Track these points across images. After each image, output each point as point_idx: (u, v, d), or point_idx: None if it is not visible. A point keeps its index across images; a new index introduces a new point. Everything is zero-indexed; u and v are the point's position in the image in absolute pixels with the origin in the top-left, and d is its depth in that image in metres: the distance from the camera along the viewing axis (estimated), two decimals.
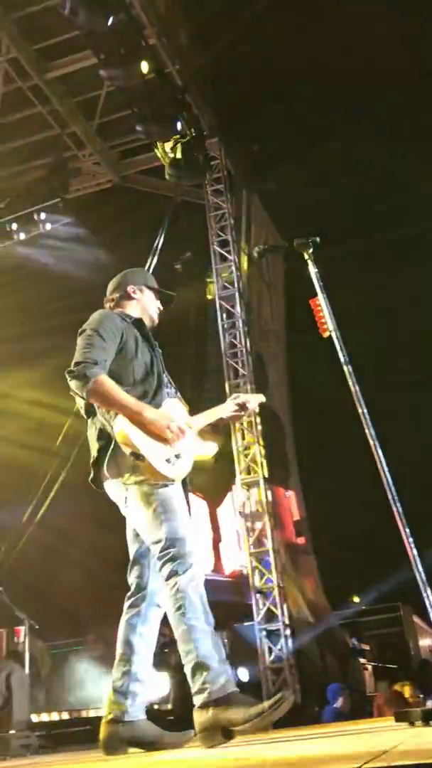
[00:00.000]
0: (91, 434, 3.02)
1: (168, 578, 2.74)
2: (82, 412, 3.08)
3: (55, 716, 7.22)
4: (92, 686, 7.98)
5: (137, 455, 2.73)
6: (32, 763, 4.34)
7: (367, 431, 2.75)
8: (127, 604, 3.04)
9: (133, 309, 3.30)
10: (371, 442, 2.74)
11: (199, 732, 2.57)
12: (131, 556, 3.06)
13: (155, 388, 3.02)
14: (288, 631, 8.30)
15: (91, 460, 2.99)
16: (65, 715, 7.26)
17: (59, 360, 3.27)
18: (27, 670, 6.63)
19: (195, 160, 9.53)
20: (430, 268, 11.56)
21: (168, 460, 2.80)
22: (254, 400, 3.37)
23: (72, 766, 3.20)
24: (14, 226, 10.84)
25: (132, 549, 3.06)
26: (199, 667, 2.61)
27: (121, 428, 2.76)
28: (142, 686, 2.91)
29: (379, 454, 2.70)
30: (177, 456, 2.85)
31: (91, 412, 3.02)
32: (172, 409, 3.02)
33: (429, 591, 2.47)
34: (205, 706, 2.56)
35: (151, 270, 9.99)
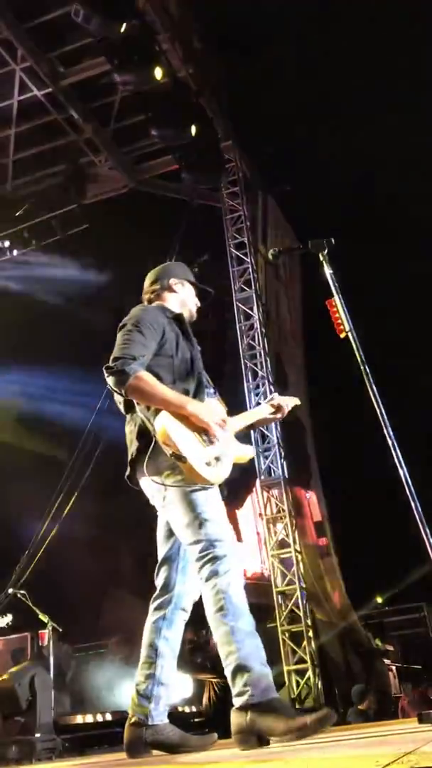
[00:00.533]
0: (130, 431, 2.96)
1: (208, 579, 2.68)
2: (121, 408, 3.02)
3: (79, 719, 7.25)
4: (117, 689, 8.01)
5: (179, 456, 2.65)
6: (57, 767, 4.36)
7: (385, 430, 2.74)
8: (152, 606, 2.98)
9: (173, 303, 3.23)
10: (389, 441, 2.73)
11: (235, 733, 2.51)
12: (160, 557, 3.02)
13: (195, 387, 2.94)
14: (311, 633, 8.29)
15: (129, 458, 2.92)
16: (89, 718, 7.29)
17: None
18: (52, 674, 6.67)
19: (209, 163, 9.56)
20: None
21: (208, 463, 2.73)
22: (290, 403, 3.32)
23: None
24: (26, 234, 10.94)
25: (161, 550, 3.01)
26: (240, 669, 2.54)
27: (163, 426, 2.67)
28: (166, 690, 2.87)
29: (397, 453, 2.69)
30: (217, 459, 2.79)
31: (129, 408, 2.96)
32: (213, 407, 2.94)
33: None
34: (243, 708, 2.50)
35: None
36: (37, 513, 10.56)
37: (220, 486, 2.92)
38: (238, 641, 2.57)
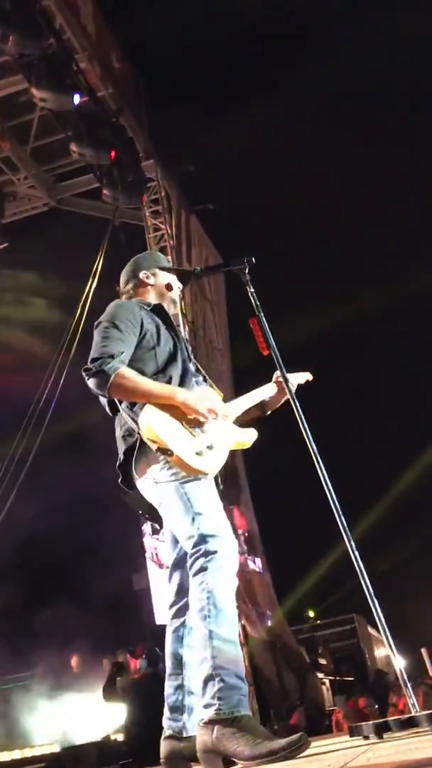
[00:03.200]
0: (117, 434, 2.84)
1: (195, 575, 2.54)
2: (107, 410, 2.89)
3: (6, 756, 6.98)
4: (45, 721, 7.77)
5: (165, 450, 2.55)
6: None
7: (308, 445, 2.75)
8: (170, 613, 2.82)
9: (150, 295, 3.12)
10: (313, 455, 2.74)
11: (200, 752, 2.36)
12: (170, 562, 2.86)
13: (181, 375, 2.84)
14: (244, 650, 8.26)
15: (118, 463, 2.80)
16: (17, 754, 7.03)
17: None
18: None
19: (130, 182, 9.54)
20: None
21: (199, 453, 2.61)
22: (298, 379, 3.20)
23: None
24: None
25: (171, 555, 2.86)
26: (212, 677, 2.37)
27: (146, 423, 2.58)
28: (197, 699, 2.59)
29: (322, 469, 2.70)
30: (209, 447, 2.67)
31: (115, 409, 2.84)
32: (205, 394, 2.86)
33: (377, 602, 2.48)
34: (210, 723, 2.32)
35: (90, 293, 9.94)
36: None
37: (217, 479, 2.81)
38: (215, 647, 2.40)
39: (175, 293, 3.18)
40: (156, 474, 2.68)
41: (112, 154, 9.08)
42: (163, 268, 3.21)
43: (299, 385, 3.24)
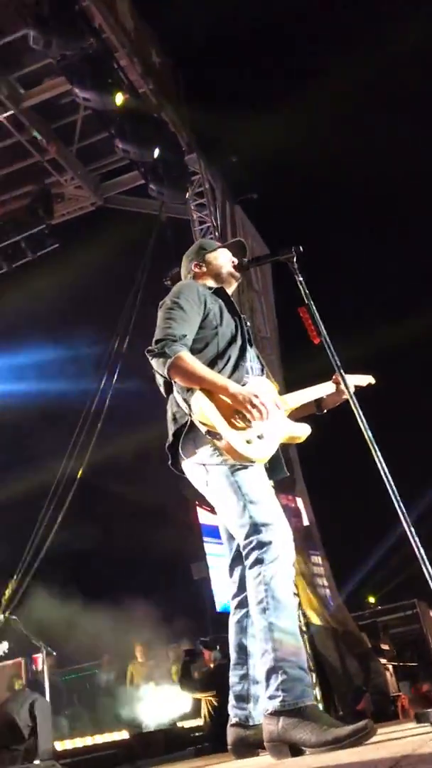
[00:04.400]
0: (169, 415, 2.89)
1: (251, 566, 2.53)
2: (162, 390, 2.94)
3: (78, 743, 7.17)
4: (112, 709, 7.94)
5: (213, 434, 2.57)
6: None
7: (365, 434, 2.75)
8: (233, 604, 2.85)
9: (208, 281, 3.18)
10: (370, 443, 2.73)
11: (266, 741, 2.38)
12: (230, 553, 2.87)
13: (237, 358, 2.87)
14: (306, 638, 8.27)
15: (168, 443, 2.84)
16: (88, 741, 7.21)
17: None
18: (48, 698, 6.60)
19: (175, 176, 9.60)
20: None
21: (248, 441, 2.60)
22: (358, 381, 3.20)
23: None
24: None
25: (230, 546, 2.88)
26: (275, 670, 2.38)
27: (198, 406, 2.62)
28: (262, 688, 2.58)
29: (378, 454, 2.70)
30: (259, 437, 2.65)
31: (169, 389, 2.87)
32: (261, 386, 2.87)
33: None
34: (275, 714, 2.35)
35: (140, 288, 10.04)
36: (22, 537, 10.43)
37: (275, 465, 2.84)
38: (275, 640, 2.42)
39: (229, 267, 3.19)
40: (204, 457, 2.70)
41: (156, 150, 9.14)
42: (211, 251, 3.25)
43: (359, 387, 3.21)
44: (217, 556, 11.94)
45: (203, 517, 12.45)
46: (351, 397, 2.78)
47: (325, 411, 3.23)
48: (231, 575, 2.89)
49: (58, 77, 9.05)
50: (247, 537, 2.58)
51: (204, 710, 7.30)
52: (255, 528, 2.56)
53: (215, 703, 6.95)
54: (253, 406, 2.62)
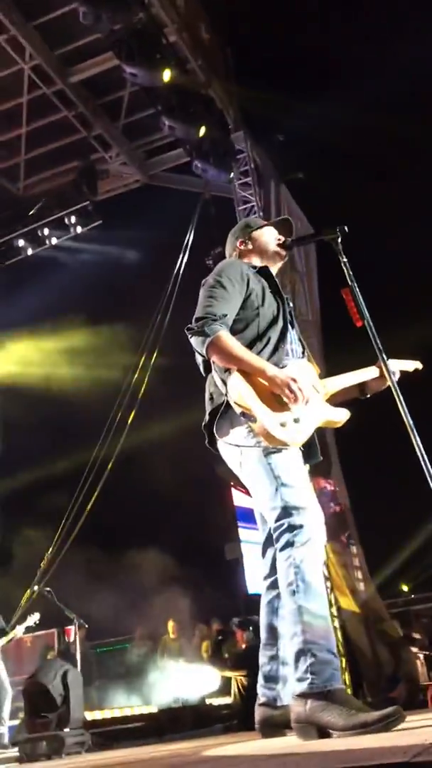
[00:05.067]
0: (207, 395, 2.88)
1: (282, 549, 2.52)
2: (201, 369, 2.93)
3: (107, 714, 7.30)
4: (141, 683, 8.05)
5: (248, 416, 2.56)
6: (90, 760, 4.39)
7: (405, 419, 2.69)
8: (265, 585, 2.85)
9: (253, 260, 3.13)
10: (410, 430, 2.68)
11: (294, 722, 2.39)
12: (263, 537, 2.88)
13: (277, 340, 2.82)
14: (336, 623, 8.26)
15: (204, 422, 2.84)
16: (117, 713, 7.34)
17: None
18: (79, 669, 6.72)
19: (220, 154, 9.52)
20: None
21: (283, 424, 2.57)
22: (404, 366, 3.13)
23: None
24: (45, 231, 10.97)
25: (262, 528, 2.87)
26: (304, 653, 2.37)
27: (235, 386, 2.60)
28: (291, 669, 2.56)
29: (418, 441, 2.64)
30: (296, 420, 2.62)
31: (208, 369, 2.85)
32: (300, 369, 2.82)
33: None
34: (303, 696, 2.35)
35: (182, 265, 10.02)
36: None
37: (310, 450, 2.82)
38: (305, 623, 2.41)
39: (274, 246, 3.14)
40: (239, 438, 2.68)
41: (202, 128, 9.07)
42: (257, 229, 3.20)
43: (405, 373, 3.13)
44: (249, 542, 12.00)
45: (238, 499, 12.49)
46: (392, 382, 2.73)
47: (369, 396, 3.14)
48: (263, 556, 2.89)
49: (107, 52, 9.01)
50: (278, 520, 2.57)
51: (234, 689, 7.37)
52: (287, 511, 2.55)
53: (245, 683, 7.01)
54: (291, 390, 2.59)
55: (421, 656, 10.99)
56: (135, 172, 11.22)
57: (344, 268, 2.99)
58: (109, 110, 10.38)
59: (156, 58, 8.49)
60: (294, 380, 2.61)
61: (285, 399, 2.61)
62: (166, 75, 8.51)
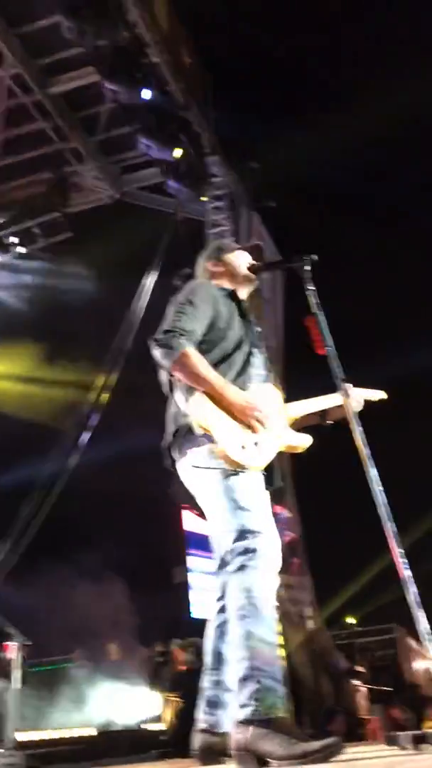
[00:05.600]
0: (169, 414, 2.84)
1: (234, 572, 2.48)
2: (164, 389, 2.89)
3: (43, 735, 7.11)
4: (82, 705, 7.88)
5: (209, 437, 2.55)
6: None
7: (360, 450, 2.70)
8: (215, 608, 2.79)
9: (223, 282, 3.12)
10: (364, 461, 2.69)
11: (233, 750, 2.34)
12: (217, 557, 2.78)
13: (242, 364, 2.81)
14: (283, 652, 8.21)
15: (164, 443, 2.80)
16: (54, 734, 7.16)
17: None
18: (16, 687, 6.54)
19: (194, 177, 9.59)
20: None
21: (243, 447, 2.56)
22: (368, 395, 3.11)
23: None
24: (14, 239, 10.87)
25: (217, 550, 2.79)
26: (248, 679, 2.33)
27: (197, 406, 2.58)
28: (234, 696, 2.54)
29: (371, 473, 2.66)
30: (255, 444, 2.61)
31: (171, 389, 2.82)
32: (265, 393, 2.82)
33: (421, 613, 2.43)
34: (245, 723, 2.30)
35: (150, 287, 10.02)
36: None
37: (270, 475, 2.78)
38: (251, 648, 2.37)
39: (244, 269, 3.13)
40: (199, 459, 2.65)
41: (178, 149, 9.13)
42: (228, 252, 3.21)
43: (369, 402, 3.13)
44: (196, 571, 11.92)
45: (189, 523, 12.40)
46: (349, 411, 2.75)
47: (330, 423, 3.16)
48: (217, 576, 2.82)
49: (88, 66, 9.03)
50: (234, 542, 2.54)
51: (169, 713, 7.26)
52: (242, 534, 2.52)
53: (180, 706, 6.92)
54: (253, 418, 2.60)
55: (363, 689, 11.01)
56: (108, 187, 11.21)
57: (310, 296, 3.02)
58: (86, 124, 10.38)
59: (137, 76, 8.55)
60: (255, 408, 2.61)
61: (249, 424, 2.60)
62: (146, 94, 8.57)
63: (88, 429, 9.96)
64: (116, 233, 11.12)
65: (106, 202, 11.40)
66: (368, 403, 3.15)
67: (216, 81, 10.69)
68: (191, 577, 12.00)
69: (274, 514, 2.77)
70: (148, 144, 9.06)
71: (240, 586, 2.47)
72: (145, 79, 8.62)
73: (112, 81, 8.37)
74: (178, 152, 9.23)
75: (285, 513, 10.35)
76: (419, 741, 2.19)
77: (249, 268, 3.17)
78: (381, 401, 3.23)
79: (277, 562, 2.60)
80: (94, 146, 10.61)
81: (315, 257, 3.05)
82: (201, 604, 11.55)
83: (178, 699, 7.13)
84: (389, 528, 2.54)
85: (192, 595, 11.67)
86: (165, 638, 9.76)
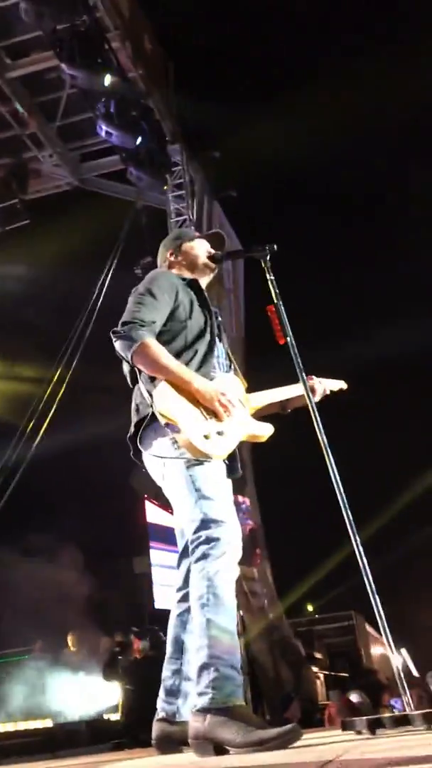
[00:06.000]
0: (132, 405, 2.83)
1: (197, 561, 2.50)
2: (128, 380, 2.88)
3: None
4: (40, 697, 7.84)
5: (173, 427, 2.54)
6: None
7: (320, 438, 2.73)
8: (176, 597, 2.82)
9: (183, 271, 3.12)
10: (325, 451, 2.72)
11: (191, 738, 2.35)
12: (180, 546, 2.84)
13: (204, 353, 2.81)
14: (241, 640, 8.27)
15: (129, 433, 2.80)
16: (9, 727, 7.11)
17: None
18: None
19: (155, 165, 9.51)
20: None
21: (207, 436, 2.57)
22: (330, 385, 3.18)
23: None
24: None
25: (180, 541, 2.85)
26: (207, 667, 2.35)
27: (160, 397, 2.56)
28: (193, 685, 2.54)
29: (331, 461, 2.68)
30: (219, 433, 2.62)
31: (135, 380, 2.81)
32: (227, 383, 2.84)
33: (378, 600, 2.46)
34: (203, 711, 2.32)
35: (110, 274, 9.93)
36: None
37: (232, 464, 2.82)
38: (211, 636, 2.38)
39: (204, 258, 3.14)
40: (162, 450, 2.66)
41: (140, 137, 9.03)
42: (188, 240, 3.20)
43: (330, 392, 3.20)
44: (159, 565, 11.93)
45: (151, 515, 12.40)
46: (310, 401, 2.78)
47: (289, 411, 3.20)
48: (179, 567, 2.86)
49: (47, 51, 8.87)
50: (195, 532, 2.55)
51: (123, 701, 7.26)
52: (205, 523, 2.53)
53: (133, 695, 6.93)
54: (221, 404, 2.61)
55: (321, 676, 11.16)
56: (68, 174, 11.05)
57: (271, 285, 3.02)
58: (46, 110, 10.21)
59: (97, 62, 8.42)
60: (223, 393, 2.63)
61: (216, 411, 2.62)
62: (107, 80, 8.45)
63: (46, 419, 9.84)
64: (76, 221, 10.97)
65: (66, 189, 11.25)
66: (330, 394, 3.19)
67: (177, 69, 10.61)
68: (154, 569, 12.02)
69: (237, 504, 2.78)
70: (108, 131, 8.93)
71: (202, 574, 2.49)
72: (106, 64, 8.49)
73: (71, 66, 8.22)
74: (138, 140, 9.08)
75: (246, 502, 10.41)
76: (375, 726, 2.23)
77: (209, 257, 3.16)
78: (342, 391, 3.27)
79: (239, 551, 2.62)
80: (54, 132, 10.45)
81: (275, 247, 3.07)
82: (163, 595, 11.58)
83: (130, 688, 7.14)
84: (348, 517, 2.57)
85: (155, 585, 11.69)
86: (127, 629, 9.76)
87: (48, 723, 7.32)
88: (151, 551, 12.38)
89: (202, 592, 2.46)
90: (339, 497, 2.61)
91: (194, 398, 2.63)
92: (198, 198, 10.55)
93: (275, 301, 3.00)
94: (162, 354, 2.64)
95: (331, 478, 2.64)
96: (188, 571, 2.70)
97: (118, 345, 2.69)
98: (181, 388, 2.61)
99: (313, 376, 3.12)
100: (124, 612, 12.18)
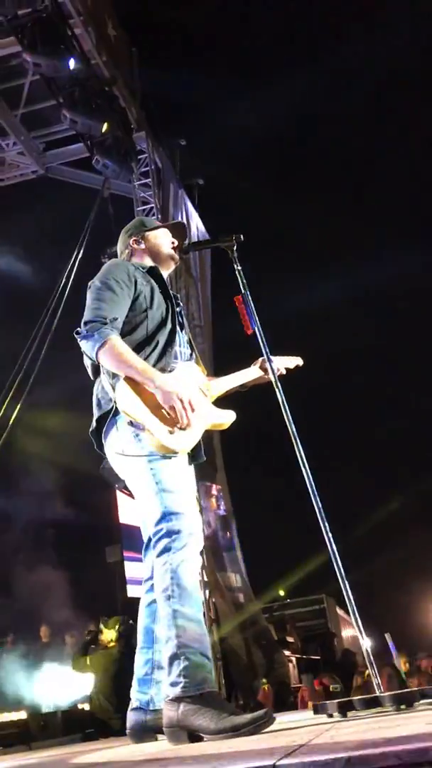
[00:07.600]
0: (94, 399, 2.84)
1: (159, 555, 2.53)
2: (89, 372, 2.88)
3: None
4: (14, 688, 7.82)
5: (135, 423, 2.56)
6: None
7: (288, 426, 2.76)
8: (144, 588, 2.85)
9: (144, 259, 3.09)
10: (293, 437, 2.75)
11: (165, 727, 2.39)
12: (145, 538, 2.83)
13: (165, 343, 2.81)
14: (213, 626, 8.33)
15: (91, 429, 2.81)
16: None
17: None
18: None
19: (121, 153, 9.42)
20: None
21: (171, 431, 2.57)
22: (286, 363, 3.21)
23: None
24: None
25: (145, 532, 2.83)
26: (177, 656, 2.38)
27: (123, 393, 2.57)
28: (165, 674, 2.56)
29: (299, 448, 2.71)
30: (182, 428, 2.61)
31: (97, 372, 2.82)
32: (188, 373, 2.83)
33: (347, 583, 2.51)
34: (176, 700, 2.35)
35: (76, 263, 9.83)
36: None
37: (200, 451, 2.84)
38: (179, 626, 2.41)
39: (168, 249, 3.13)
40: (125, 445, 2.67)
41: (104, 124, 8.94)
42: (152, 229, 3.18)
43: (288, 370, 3.25)
44: (131, 560, 11.92)
45: (123, 515, 12.37)
46: (276, 384, 2.83)
47: (247, 388, 3.25)
48: (144, 557, 2.88)
49: (8, 37, 8.72)
50: (156, 524, 2.57)
51: (94, 691, 7.29)
52: (165, 516, 2.56)
53: (102, 684, 6.96)
54: (177, 409, 2.58)
55: (294, 659, 11.29)
56: (32, 163, 10.90)
57: (238, 275, 3.04)
58: (8, 97, 10.04)
59: (60, 48, 8.30)
60: (180, 399, 2.58)
61: (171, 412, 2.60)
62: (70, 65, 8.34)
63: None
64: (41, 210, 10.86)
65: (30, 177, 11.10)
66: (290, 372, 3.24)
67: (141, 55, 10.51)
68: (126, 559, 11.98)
69: (208, 491, 2.82)
70: (73, 119, 8.83)
71: (165, 566, 2.51)
72: (69, 50, 8.38)
73: (33, 53, 8.09)
74: (104, 127, 9.00)
75: (215, 491, 10.45)
76: (346, 708, 2.27)
77: (175, 248, 3.15)
78: (297, 367, 3.30)
79: (199, 542, 2.64)
80: (17, 120, 10.29)
81: (242, 237, 3.08)
82: (135, 584, 11.57)
83: (101, 677, 7.18)
84: (317, 502, 2.61)
85: (128, 574, 11.67)
86: (98, 618, 9.76)
87: (22, 714, 7.31)
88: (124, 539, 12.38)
89: (167, 584, 2.48)
90: (306, 479, 2.65)
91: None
92: (165, 186, 10.49)
93: (243, 291, 3.02)
94: (125, 352, 2.62)
95: (299, 461, 2.68)
96: (153, 562, 2.72)
97: (82, 345, 2.68)
98: (143, 385, 2.61)
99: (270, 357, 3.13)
100: (98, 602, 12.16)
